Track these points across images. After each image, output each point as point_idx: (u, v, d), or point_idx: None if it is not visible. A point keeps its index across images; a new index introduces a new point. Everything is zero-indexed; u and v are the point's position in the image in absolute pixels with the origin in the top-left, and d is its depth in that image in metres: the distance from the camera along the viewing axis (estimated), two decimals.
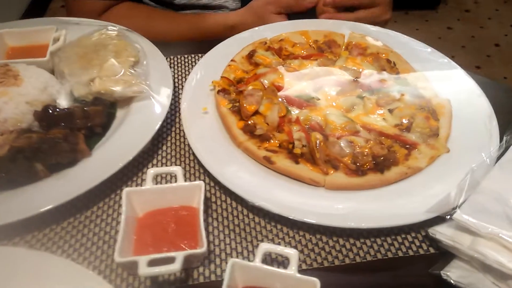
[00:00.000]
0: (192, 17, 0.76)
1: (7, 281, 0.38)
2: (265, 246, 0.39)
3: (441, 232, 0.41)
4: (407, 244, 0.45)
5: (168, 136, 0.55)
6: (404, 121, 0.53)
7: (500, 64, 2.67)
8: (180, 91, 0.59)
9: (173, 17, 0.77)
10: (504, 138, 0.50)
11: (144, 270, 0.37)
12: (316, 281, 0.37)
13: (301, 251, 0.44)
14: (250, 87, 0.54)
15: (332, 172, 0.48)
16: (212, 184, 0.50)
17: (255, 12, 0.73)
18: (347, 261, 0.43)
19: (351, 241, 0.45)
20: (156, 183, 0.48)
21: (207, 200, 0.48)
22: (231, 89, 0.56)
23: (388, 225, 0.44)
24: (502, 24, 2.93)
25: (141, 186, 0.48)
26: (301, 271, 0.39)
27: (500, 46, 2.66)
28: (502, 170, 0.46)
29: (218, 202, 0.48)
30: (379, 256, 0.44)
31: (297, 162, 0.48)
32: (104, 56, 0.56)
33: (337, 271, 0.43)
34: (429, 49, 0.65)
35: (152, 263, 0.38)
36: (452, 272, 0.40)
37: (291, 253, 0.39)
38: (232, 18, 0.74)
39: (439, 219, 0.43)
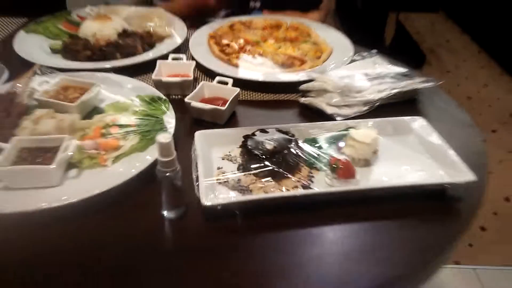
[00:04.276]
0: None
1: None
2: None
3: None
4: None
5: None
6: (303, 53, 1.01)
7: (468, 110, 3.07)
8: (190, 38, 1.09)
9: None
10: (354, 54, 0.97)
11: None
12: None
13: None
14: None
15: None
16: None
17: None
18: None
19: None
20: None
21: None
22: (216, 35, 1.07)
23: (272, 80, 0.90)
24: (476, 83, 3.38)
25: None
26: None
27: (472, 98, 3.11)
28: (343, 69, 0.92)
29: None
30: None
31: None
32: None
33: None
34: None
35: None
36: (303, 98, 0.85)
37: None
38: None
39: None
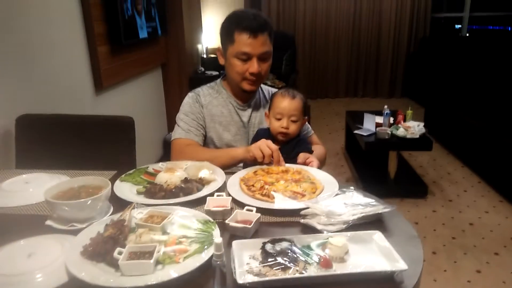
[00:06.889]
0: (220, 151, 1.85)
1: None
2: None
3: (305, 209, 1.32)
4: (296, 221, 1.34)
5: (223, 194, 1.53)
6: (304, 190, 1.48)
7: (471, 235, 3.37)
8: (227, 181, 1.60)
9: (213, 151, 1.87)
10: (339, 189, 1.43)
11: None
12: None
13: None
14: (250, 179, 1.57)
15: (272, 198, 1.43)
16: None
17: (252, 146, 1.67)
18: None
19: None
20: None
21: None
22: (244, 179, 1.57)
23: (282, 208, 1.35)
24: (478, 210, 3.72)
25: None
26: None
27: (473, 224, 3.42)
28: (330, 200, 1.37)
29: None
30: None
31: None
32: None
33: None
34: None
35: None
36: (303, 219, 1.29)
37: None
38: (239, 154, 1.79)
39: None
